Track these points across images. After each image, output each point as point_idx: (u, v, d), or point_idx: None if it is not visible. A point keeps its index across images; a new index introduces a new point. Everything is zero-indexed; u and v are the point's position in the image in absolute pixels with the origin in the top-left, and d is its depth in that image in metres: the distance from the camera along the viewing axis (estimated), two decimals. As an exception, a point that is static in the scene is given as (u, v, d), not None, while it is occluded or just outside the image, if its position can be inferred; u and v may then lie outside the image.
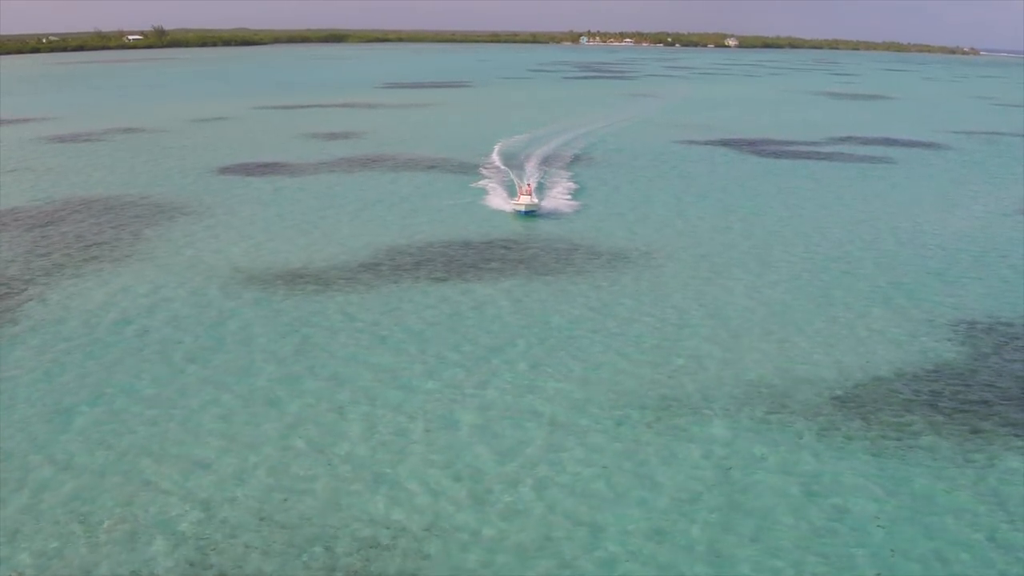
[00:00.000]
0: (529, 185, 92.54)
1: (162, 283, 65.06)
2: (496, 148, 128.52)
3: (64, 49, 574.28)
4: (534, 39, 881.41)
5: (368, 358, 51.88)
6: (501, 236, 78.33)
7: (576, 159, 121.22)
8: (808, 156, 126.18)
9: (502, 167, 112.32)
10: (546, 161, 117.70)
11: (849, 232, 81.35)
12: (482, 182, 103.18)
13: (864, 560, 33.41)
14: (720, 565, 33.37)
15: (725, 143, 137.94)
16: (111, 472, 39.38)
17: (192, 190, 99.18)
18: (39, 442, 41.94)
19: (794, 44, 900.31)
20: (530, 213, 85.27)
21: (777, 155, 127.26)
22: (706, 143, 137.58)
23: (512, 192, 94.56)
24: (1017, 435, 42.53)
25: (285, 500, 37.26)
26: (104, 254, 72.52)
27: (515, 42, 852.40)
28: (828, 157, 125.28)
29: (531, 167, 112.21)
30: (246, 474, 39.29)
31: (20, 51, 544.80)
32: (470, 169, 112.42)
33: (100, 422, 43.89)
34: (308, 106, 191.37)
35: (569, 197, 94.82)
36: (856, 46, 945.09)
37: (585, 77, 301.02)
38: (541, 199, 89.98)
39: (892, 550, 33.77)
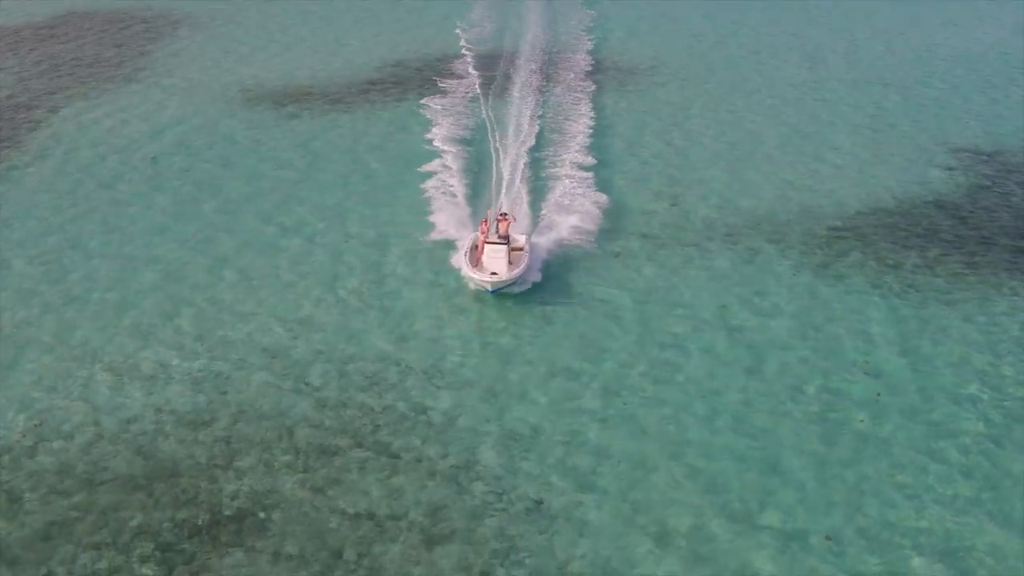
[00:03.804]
0: (504, 217, 44.76)
1: (168, 104, 64.91)
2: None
3: None
4: None
5: (377, 182, 52.50)
6: (508, 48, 77.36)
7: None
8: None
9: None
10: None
11: (855, 54, 79.71)
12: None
13: (853, 402, 34.79)
14: (715, 399, 34.84)
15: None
16: (126, 310, 40.63)
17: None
18: (52, 279, 43.03)
19: None
20: (498, 291, 41.61)
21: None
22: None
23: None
24: (1010, 272, 43.38)
25: (296, 338, 38.54)
26: (109, 73, 71.96)
27: None
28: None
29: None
30: (257, 310, 40.52)
31: None
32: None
33: (113, 258, 44.91)
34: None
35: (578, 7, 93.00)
36: None
37: None
38: (531, 235, 45.73)
39: (879, 393, 35.15)
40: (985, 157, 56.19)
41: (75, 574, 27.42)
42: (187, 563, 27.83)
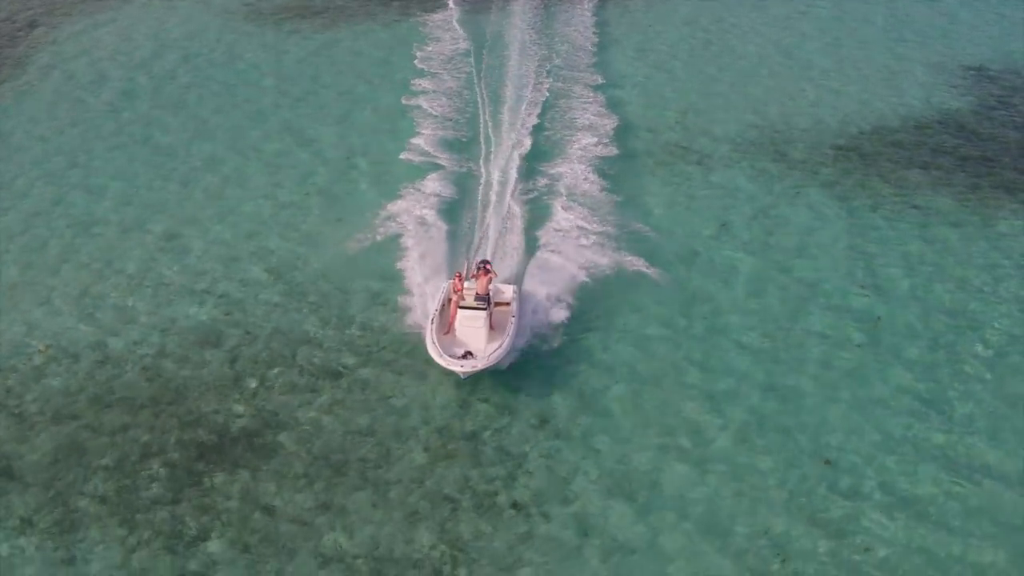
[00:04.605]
0: (486, 269, 34.01)
1: (168, 20, 64.10)
2: None
3: None
4: None
5: (377, 102, 52.13)
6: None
7: None
8: None
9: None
10: None
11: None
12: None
13: (852, 323, 34.96)
14: (714, 319, 35.11)
15: None
16: (130, 231, 40.69)
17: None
18: (54, 201, 43.01)
19: None
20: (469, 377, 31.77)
21: None
22: None
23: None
24: (1012, 193, 43.29)
25: (299, 259, 38.68)
26: (103, -13, 70.93)
27: None
28: None
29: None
30: (260, 230, 40.64)
31: None
32: None
33: (116, 179, 44.74)
34: None
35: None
36: None
37: None
38: (520, 296, 34.58)
39: (880, 316, 35.33)
40: (992, 75, 55.57)
41: (84, 495, 27.90)
42: (194, 484, 28.30)
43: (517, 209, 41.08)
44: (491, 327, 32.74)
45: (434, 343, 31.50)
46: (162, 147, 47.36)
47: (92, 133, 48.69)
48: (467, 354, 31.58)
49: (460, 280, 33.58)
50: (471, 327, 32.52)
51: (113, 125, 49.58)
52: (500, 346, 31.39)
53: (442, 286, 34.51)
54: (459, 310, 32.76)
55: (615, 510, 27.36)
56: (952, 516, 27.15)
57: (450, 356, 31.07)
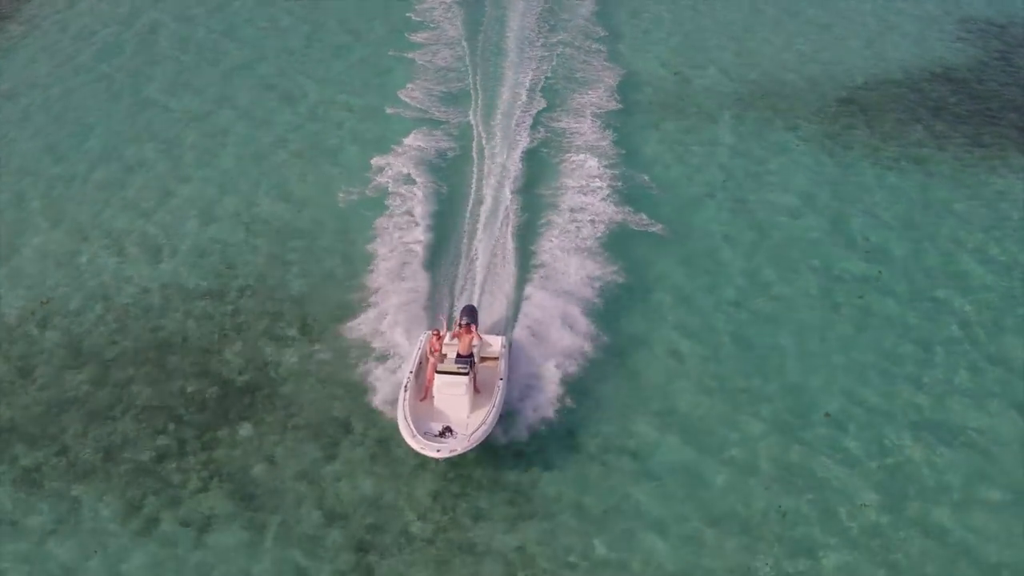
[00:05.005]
0: (468, 327, 28.98)
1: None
2: None
3: None
4: None
5: (377, 55, 51.42)
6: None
7: None
8: None
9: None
10: None
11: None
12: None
13: (853, 279, 35.00)
14: (716, 275, 35.14)
15: None
16: (127, 186, 40.39)
17: None
18: (55, 153, 42.63)
19: None
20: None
21: None
22: None
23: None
24: (1017, 148, 43.14)
25: (298, 212, 38.53)
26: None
27: None
28: None
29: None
30: (258, 184, 40.39)
31: None
32: None
33: (112, 133, 44.32)
34: None
35: None
36: None
37: None
38: (510, 350, 29.95)
39: (880, 271, 35.32)
40: (996, 29, 54.99)
41: (88, 448, 28.00)
42: (198, 436, 28.40)
43: (513, 168, 41.04)
44: (476, 390, 28.22)
45: (406, 419, 26.46)
46: (152, 102, 46.74)
47: (87, 89, 48.01)
48: (446, 430, 26.89)
49: (438, 339, 28.79)
50: (451, 395, 27.63)
51: (103, 81, 48.84)
52: (484, 422, 26.55)
53: (419, 340, 29.76)
54: (436, 375, 27.95)
55: (615, 470, 27.51)
56: (946, 477, 27.33)
57: (425, 435, 26.21)
